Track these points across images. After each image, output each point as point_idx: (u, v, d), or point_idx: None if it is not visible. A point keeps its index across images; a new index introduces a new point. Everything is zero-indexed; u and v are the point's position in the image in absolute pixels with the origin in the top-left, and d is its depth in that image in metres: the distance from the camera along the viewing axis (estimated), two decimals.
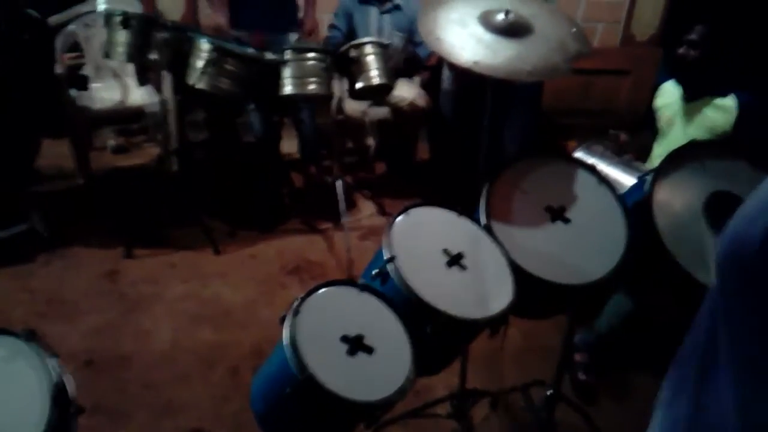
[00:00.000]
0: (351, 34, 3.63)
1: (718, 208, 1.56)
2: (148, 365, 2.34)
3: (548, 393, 1.96)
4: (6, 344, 1.22)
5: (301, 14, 3.71)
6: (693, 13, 2.79)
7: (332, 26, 3.77)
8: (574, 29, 1.64)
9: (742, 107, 2.37)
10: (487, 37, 1.55)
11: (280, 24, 3.54)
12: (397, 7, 3.69)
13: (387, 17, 3.69)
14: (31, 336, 1.23)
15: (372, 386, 1.26)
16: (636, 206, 1.59)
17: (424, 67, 3.96)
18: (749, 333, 0.67)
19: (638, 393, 2.34)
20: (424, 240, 1.49)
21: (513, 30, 1.57)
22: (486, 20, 1.58)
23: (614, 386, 2.39)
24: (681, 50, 2.42)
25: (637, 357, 2.47)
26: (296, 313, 1.29)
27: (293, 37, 3.59)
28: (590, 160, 2.12)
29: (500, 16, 1.57)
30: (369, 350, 1.30)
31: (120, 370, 2.30)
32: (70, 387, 1.22)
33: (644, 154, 2.71)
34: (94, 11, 3.69)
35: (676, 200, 1.58)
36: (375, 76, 2.90)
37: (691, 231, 1.54)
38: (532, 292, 1.49)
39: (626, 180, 2.01)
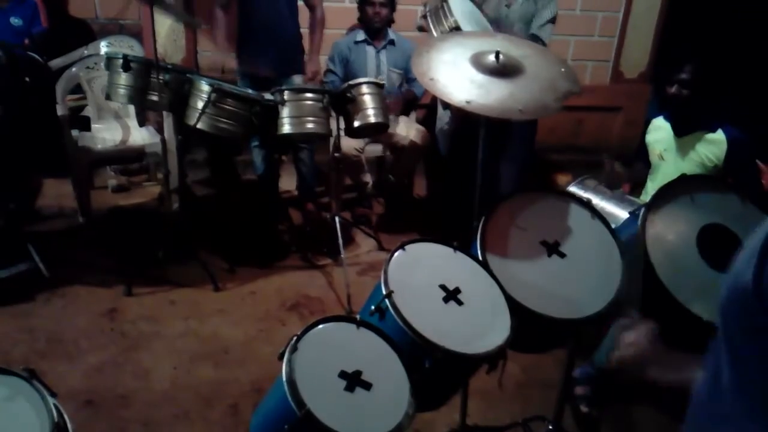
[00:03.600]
0: (348, 76, 3.70)
1: (711, 241, 1.59)
2: (147, 404, 2.33)
3: (549, 428, 1.95)
4: (7, 383, 1.23)
5: (306, 58, 3.79)
6: (682, 51, 2.86)
7: (328, 71, 3.85)
8: (564, 69, 1.70)
9: (731, 141, 2.42)
10: (479, 77, 1.60)
11: (286, 68, 3.61)
12: (391, 43, 3.78)
13: (383, 54, 3.78)
14: (31, 375, 1.23)
15: (370, 422, 1.27)
16: (630, 240, 1.62)
17: (419, 105, 4.05)
18: (753, 373, 0.69)
19: (641, 425, 2.33)
20: (421, 275, 1.51)
21: (504, 70, 1.62)
22: (477, 62, 1.63)
23: (617, 419, 2.38)
24: (672, 89, 2.46)
25: (639, 389, 2.46)
26: (294, 349, 1.30)
27: (298, 79, 3.66)
28: (584, 194, 2.15)
29: (491, 58, 1.62)
30: (367, 386, 1.30)
31: (120, 409, 2.29)
32: (71, 426, 1.23)
33: (638, 186, 2.75)
34: (95, 54, 3.79)
35: (669, 234, 1.60)
36: (371, 114, 2.98)
37: (685, 264, 1.57)
38: (530, 327, 1.50)
39: (620, 214, 2.04)
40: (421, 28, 2.78)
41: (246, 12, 3.53)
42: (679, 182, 1.68)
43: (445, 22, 2.51)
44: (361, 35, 3.77)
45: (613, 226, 1.68)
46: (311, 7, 3.71)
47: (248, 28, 3.55)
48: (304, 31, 3.75)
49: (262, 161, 3.75)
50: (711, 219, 1.61)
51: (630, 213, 1.74)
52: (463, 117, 3.45)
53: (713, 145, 2.46)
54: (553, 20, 3.32)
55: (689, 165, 2.50)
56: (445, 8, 2.48)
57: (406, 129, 3.73)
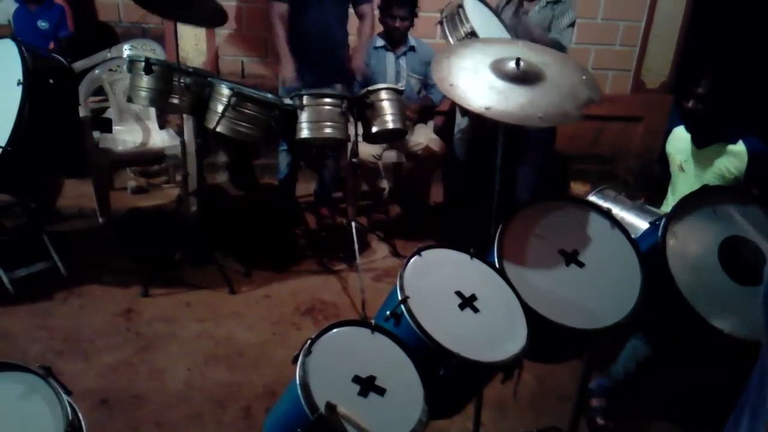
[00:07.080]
0: (367, 81, 3.70)
1: (733, 253, 1.56)
2: (161, 404, 2.34)
3: None
4: (23, 381, 1.24)
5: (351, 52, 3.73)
6: (698, 65, 2.83)
7: None
8: (585, 76, 1.68)
9: (753, 153, 2.39)
10: (499, 84, 1.59)
11: (331, 76, 3.57)
12: (411, 49, 3.78)
13: (403, 60, 3.78)
14: (47, 373, 1.24)
15: (383, 428, 1.25)
16: (650, 251, 1.60)
17: (437, 111, 4.04)
18: None
19: None
20: (437, 282, 1.50)
21: (524, 77, 1.61)
22: (498, 68, 1.62)
23: (632, 431, 2.35)
24: (689, 104, 2.43)
25: (655, 401, 2.42)
26: (308, 353, 1.30)
27: (340, 87, 3.62)
28: (604, 204, 2.13)
29: (511, 65, 1.61)
30: (381, 391, 1.30)
31: (134, 409, 2.30)
32: (85, 425, 1.23)
33: (658, 197, 2.72)
34: (118, 57, 3.84)
35: (690, 245, 1.58)
36: (390, 120, 2.97)
37: (706, 276, 1.54)
38: (546, 336, 1.48)
39: (640, 224, 2.02)
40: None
41: (294, 21, 3.48)
42: (701, 193, 1.66)
43: (461, 29, 2.50)
44: (380, 41, 3.77)
45: (633, 236, 1.66)
46: (361, 16, 3.67)
47: (296, 38, 3.50)
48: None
49: (287, 166, 3.75)
50: (732, 231, 1.58)
51: (650, 223, 1.72)
52: (481, 124, 3.44)
53: (734, 157, 2.43)
54: (572, 24, 3.31)
55: (709, 177, 2.47)
56: (461, 15, 2.48)
57: (424, 137, 3.72)
